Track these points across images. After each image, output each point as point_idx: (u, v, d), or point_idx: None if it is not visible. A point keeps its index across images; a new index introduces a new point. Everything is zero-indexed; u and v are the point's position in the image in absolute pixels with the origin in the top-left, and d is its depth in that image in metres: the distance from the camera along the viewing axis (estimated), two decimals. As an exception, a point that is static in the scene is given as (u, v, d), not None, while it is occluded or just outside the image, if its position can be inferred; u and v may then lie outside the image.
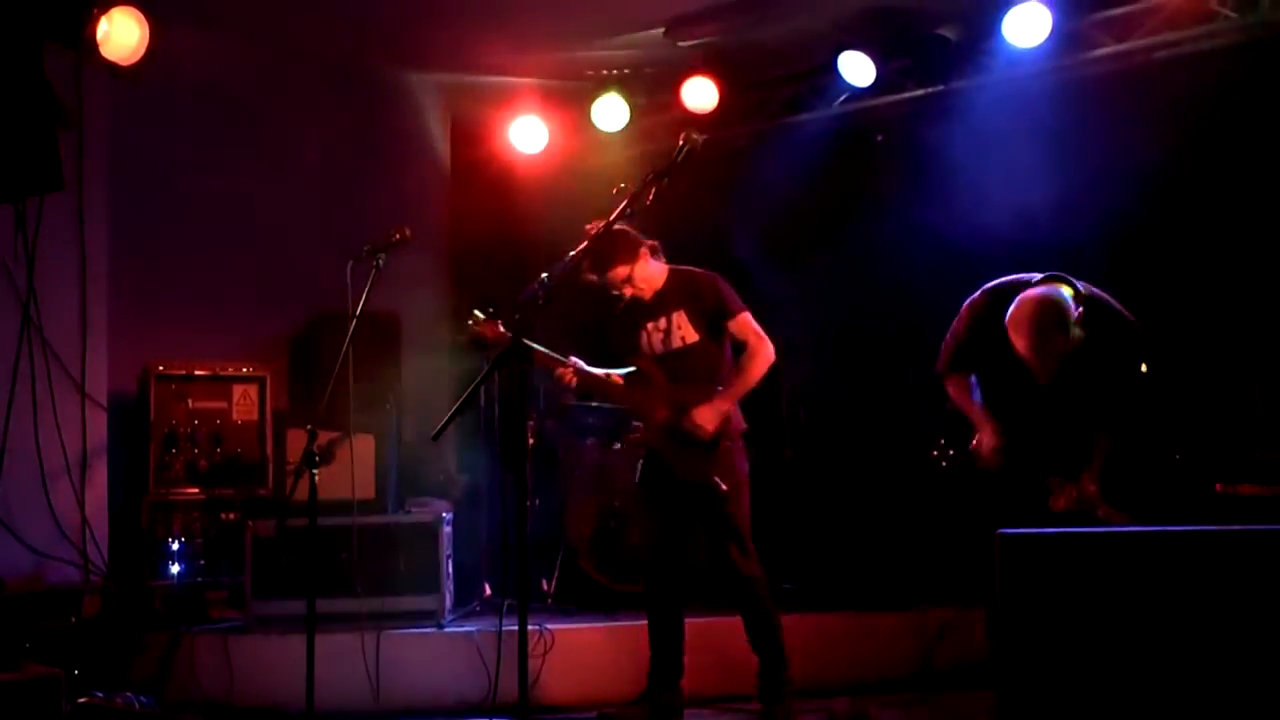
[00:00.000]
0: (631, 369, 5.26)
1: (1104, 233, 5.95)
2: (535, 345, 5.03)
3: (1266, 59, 5.88)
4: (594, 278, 5.11)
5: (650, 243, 5.18)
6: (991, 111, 6.48)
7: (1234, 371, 5.85)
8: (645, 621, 5.30)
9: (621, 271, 5.10)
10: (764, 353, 5.09)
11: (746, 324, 5.12)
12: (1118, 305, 4.50)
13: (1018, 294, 4.39)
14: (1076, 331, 4.29)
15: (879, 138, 7.24)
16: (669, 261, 5.26)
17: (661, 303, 5.19)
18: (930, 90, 6.90)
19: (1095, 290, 4.47)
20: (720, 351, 5.18)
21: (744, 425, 5.18)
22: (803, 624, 5.78)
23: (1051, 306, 4.25)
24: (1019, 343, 4.29)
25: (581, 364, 5.19)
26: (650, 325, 5.19)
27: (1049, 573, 3.16)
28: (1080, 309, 4.30)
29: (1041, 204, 5.95)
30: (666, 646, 5.19)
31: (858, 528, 6.78)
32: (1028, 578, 3.15)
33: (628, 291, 5.17)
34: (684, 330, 5.14)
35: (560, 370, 5.14)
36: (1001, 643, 3.18)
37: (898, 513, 6.70)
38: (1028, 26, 6.24)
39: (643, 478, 5.26)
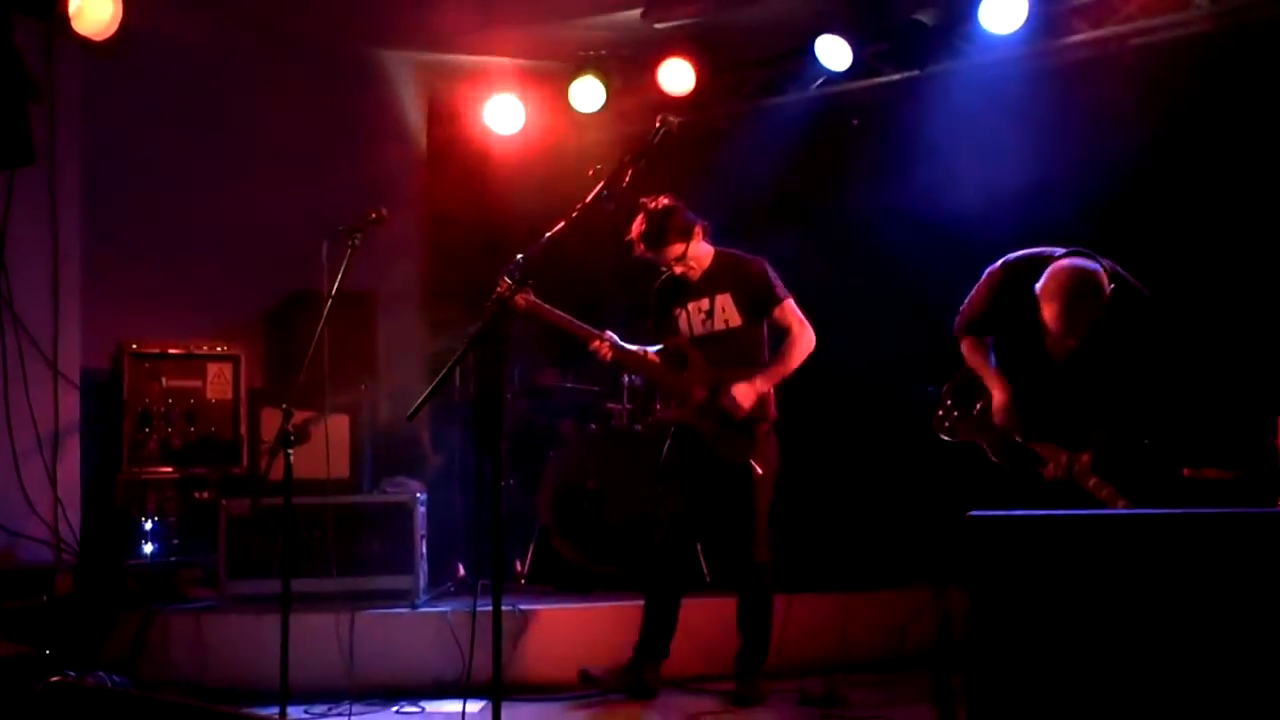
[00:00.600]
0: (662, 347, 5.27)
1: (1078, 217, 5.98)
2: (569, 317, 5.07)
3: (1238, 47, 5.92)
4: (648, 253, 5.11)
5: (704, 222, 5.19)
6: (968, 97, 6.50)
7: (1203, 356, 5.91)
8: (620, 602, 5.33)
9: (677, 249, 5.09)
10: (805, 339, 5.13)
11: (790, 311, 5.15)
12: (1140, 286, 4.48)
13: (1040, 266, 4.37)
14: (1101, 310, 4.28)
15: (855, 121, 7.25)
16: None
17: (707, 284, 5.19)
18: (907, 75, 6.91)
19: (1119, 269, 4.44)
20: (760, 336, 5.23)
21: (775, 414, 5.20)
22: (776, 604, 5.81)
23: (1090, 275, 4.25)
24: (1050, 310, 4.27)
25: (616, 338, 5.18)
26: (693, 305, 5.20)
27: (1019, 554, 3.19)
28: (1111, 285, 4.31)
29: (1017, 189, 5.97)
30: (659, 625, 5.22)
31: (831, 509, 6.81)
32: (997, 559, 3.18)
33: (679, 269, 5.16)
34: (728, 313, 5.16)
35: (596, 344, 5.13)
36: (972, 624, 3.21)
37: (872, 493, 6.74)
38: (1004, 12, 6.26)
39: (668, 457, 5.26)
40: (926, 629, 5.69)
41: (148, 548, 6.08)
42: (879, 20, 6.75)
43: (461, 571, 6.47)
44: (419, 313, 7.83)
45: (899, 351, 6.21)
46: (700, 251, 5.18)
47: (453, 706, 5.13)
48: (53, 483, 5.85)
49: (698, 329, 5.20)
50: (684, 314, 5.23)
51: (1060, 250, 4.43)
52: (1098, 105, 6.28)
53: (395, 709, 5.20)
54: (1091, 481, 4.40)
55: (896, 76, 6.98)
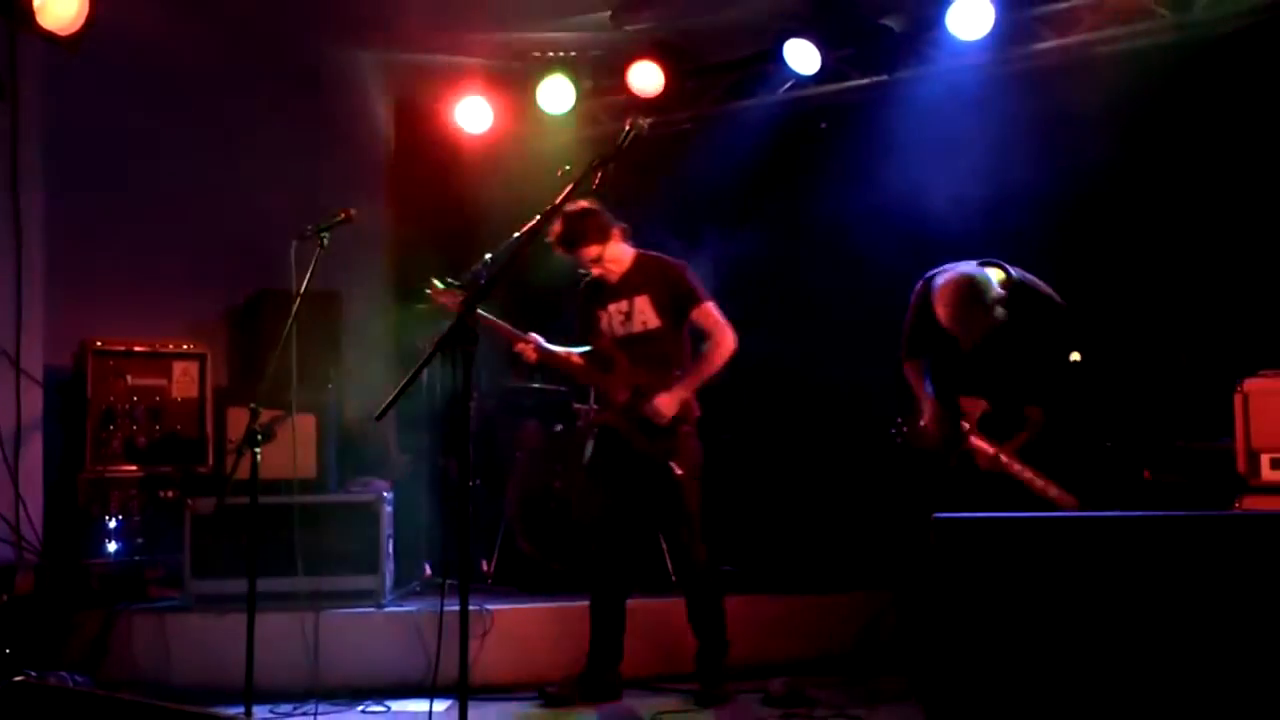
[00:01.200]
0: (589, 349, 5.29)
1: (1041, 222, 6.07)
2: (496, 320, 5.12)
3: (1199, 57, 6.01)
4: (565, 254, 5.13)
5: (622, 225, 5.21)
6: (934, 102, 6.56)
7: (1163, 360, 5.99)
8: (586, 602, 5.33)
9: (593, 250, 5.12)
10: (726, 343, 5.13)
11: (710, 314, 5.15)
12: (1047, 290, 4.79)
13: None
14: (1000, 311, 4.61)
15: (823, 125, 7.30)
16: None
17: (626, 286, 5.22)
18: (874, 80, 6.97)
19: (1028, 276, 4.79)
20: (680, 339, 5.23)
21: (699, 412, 5.22)
22: (741, 605, 5.83)
23: (968, 282, 4.62)
24: (940, 313, 4.67)
25: (542, 340, 5.23)
26: (613, 307, 5.22)
27: (983, 556, 3.23)
28: (1006, 291, 4.66)
29: (983, 193, 6.04)
30: (607, 629, 5.24)
31: (795, 511, 6.86)
32: (965, 561, 3.22)
33: (595, 271, 5.20)
34: (646, 315, 5.17)
35: (520, 345, 5.19)
36: (936, 625, 3.25)
37: (835, 496, 6.78)
38: (971, 19, 6.32)
39: (593, 459, 5.29)
40: (890, 630, 5.74)
41: (111, 546, 6.05)
42: (847, 25, 6.80)
43: (428, 571, 6.46)
44: (386, 312, 7.81)
45: (866, 354, 6.25)
46: (618, 253, 5.20)
47: (418, 706, 5.13)
48: (15, 480, 5.79)
49: (618, 330, 5.22)
50: (605, 315, 5.25)
51: (974, 263, 4.75)
52: (1062, 111, 6.35)
53: (361, 709, 5.19)
54: (1015, 468, 4.64)
55: (864, 81, 7.04)
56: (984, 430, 4.82)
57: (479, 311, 4.99)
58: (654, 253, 5.31)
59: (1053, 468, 4.63)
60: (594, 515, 5.28)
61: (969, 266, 4.73)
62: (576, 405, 6.73)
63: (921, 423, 5.05)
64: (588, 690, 5.21)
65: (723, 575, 5.32)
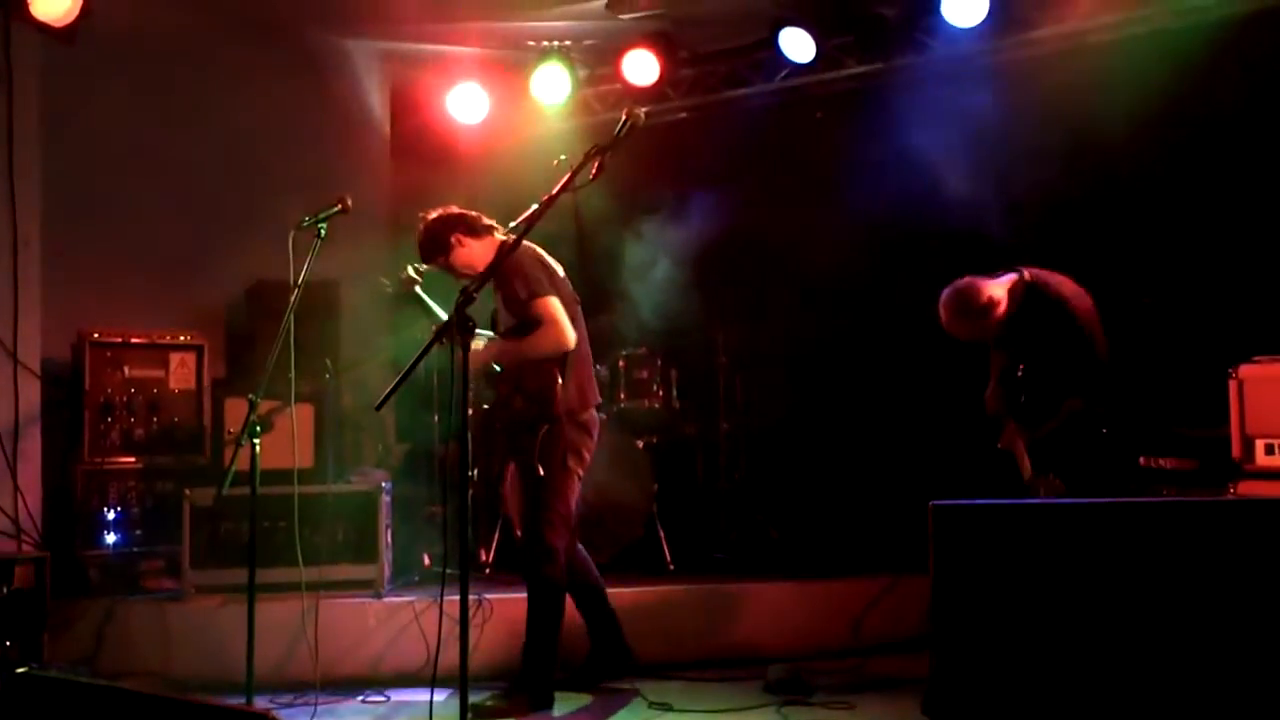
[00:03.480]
0: None
1: (1037, 208, 6.09)
2: (430, 303, 5.19)
3: (1196, 44, 6.02)
4: (434, 268, 5.15)
5: (473, 221, 5.13)
6: (930, 89, 6.56)
7: (1158, 347, 6.01)
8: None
9: (440, 261, 5.13)
10: (548, 334, 4.89)
11: (537, 308, 4.90)
12: (1058, 290, 4.93)
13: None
14: (994, 314, 4.88)
15: (819, 114, 7.30)
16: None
17: (495, 285, 5.07)
18: (870, 67, 6.97)
19: (1044, 276, 4.99)
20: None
21: (592, 402, 5.14)
22: (737, 592, 5.87)
23: (955, 293, 4.89)
24: (941, 319, 4.94)
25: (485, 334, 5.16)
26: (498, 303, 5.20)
27: (983, 542, 3.25)
28: (1016, 295, 4.92)
29: (978, 181, 6.05)
30: (589, 613, 5.28)
31: (792, 497, 6.88)
32: (962, 547, 3.24)
33: (460, 279, 5.07)
34: (504, 314, 5.13)
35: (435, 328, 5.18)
36: (937, 610, 3.27)
37: (833, 482, 6.81)
38: (966, 5, 6.32)
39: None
40: (888, 616, 5.76)
41: (110, 538, 6.04)
42: (842, 13, 6.80)
43: (427, 561, 6.48)
44: (384, 301, 7.81)
45: (864, 342, 6.28)
46: (471, 257, 5.11)
47: (419, 695, 5.15)
48: (13, 472, 5.79)
49: (500, 326, 5.19)
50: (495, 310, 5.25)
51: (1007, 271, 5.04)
52: (1058, 99, 6.36)
53: (361, 698, 5.21)
54: (1016, 449, 4.92)
55: (860, 69, 7.04)
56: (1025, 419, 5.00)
57: (421, 295, 5.15)
58: (511, 243, 5.15)
59: (1052, 454, 4.69)
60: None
61: (969, 278, 4.94)
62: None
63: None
64: (591, 675, 5.25)
65: (706, 559, 5.23)
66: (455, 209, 5.19)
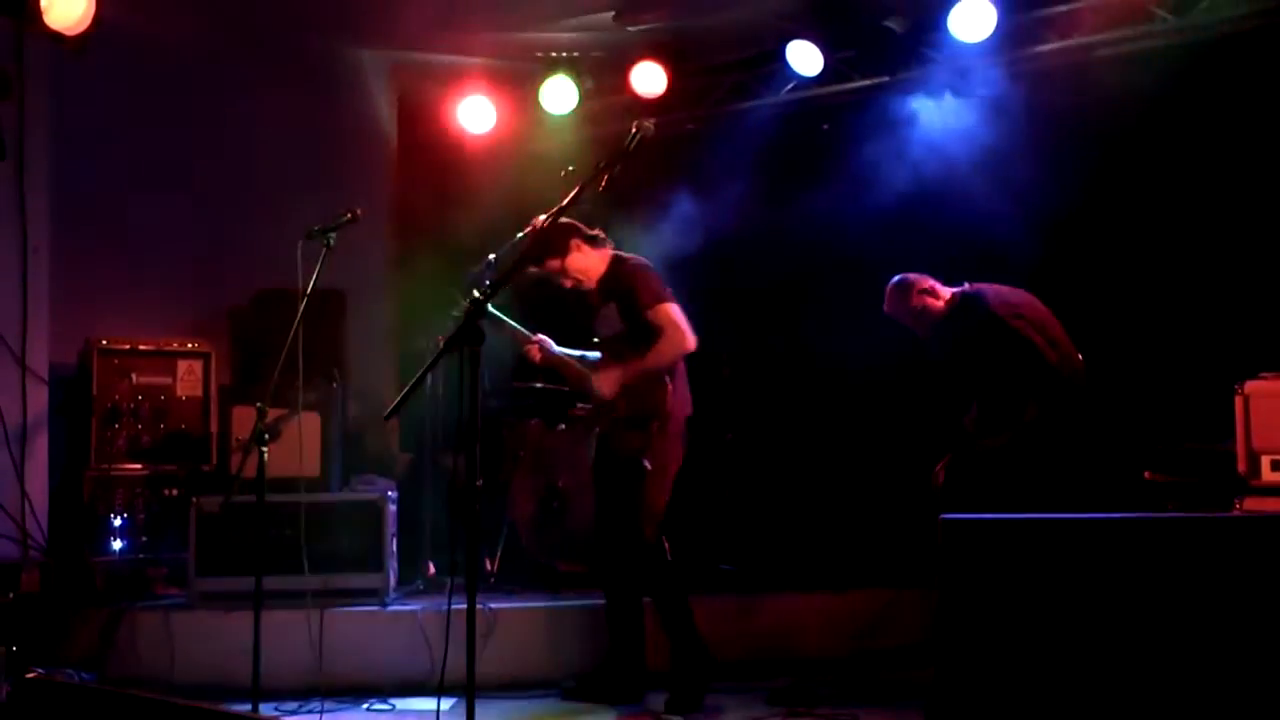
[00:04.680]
0: (600, 354, 5.35)
1: (1042, 223, 6.09)
2: (507, 319, 5.25)
3: (1200, 59, 6.04)
4: (535, 271, 5.17)
5: (590, 232, 5.21)
6: (935, 104, 6.59)
7: (1163, 362, 6.02)
8: (588, 601, 5.35)
9: (554, 264, 5.16)
10: (673, 342, 5.00)
11: (661, 314, 5.02)
12: (989, 302, 5.27)
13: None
14: (930, 301, 5.40)
15: (825, 126, 7.32)
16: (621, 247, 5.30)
17: (602, 291, 5.24)
18: (876, 81, 6.99)
19: (982, 287, 5.38)
20: (641, 341, 5.11)
21: (680, 412, 5.18)
22: (743, 605, 5.88)
23: (900, 276, 5.49)
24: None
25: (549, 343, 5.33)
26: (599, 314, 5.27)
27: (991, 557, 3.26)
28: (949, 302, 5.40)
29: (983, 195, 6.07)
30: (619, 630, 5.24)
31: (797, 510, 6.88)
32: (970, 561, 3.24)
33: (566, 283, 5.23)
34: (614, 320, 5.19)
35: (527, 346, 5.30)
36: (944, 625, 3.28)
37: (838, 495, 6.81)
38: (973, 21, 6.34)
39: (594, 460, 5.31)
40: (893, 629, 5.76)
41: (116, 544, 6.06)
42: (849, 26, 6.82)
43: (432, 570, 6.48)
44: (390, 311, 7.84)
45: (867, 354, 6.28)
46: (585, 264, 5.21)
47: (423, 704, 5.15)
48: (20, 479, 5.81)
49: (604, 335, 5.28)
50: (597, 322, 5.32)
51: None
52: (1064, 114, 6.38)
53: (366, 706, 5.22)
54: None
55: (866, 82, 7.06)
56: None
57: (493, 311, 5.09)
58: (622, 255, 5.26)
59: (1054, 470, 4.73)
60: (595, 516, 5.30)
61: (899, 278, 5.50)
62: (579, 405, 6.75)
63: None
64: (604, 689, 5.22)
65: (678, 576, 5.22)
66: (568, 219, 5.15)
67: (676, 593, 5.10)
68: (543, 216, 5.05)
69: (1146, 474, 5.16)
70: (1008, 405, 5.13)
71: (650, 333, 5.03)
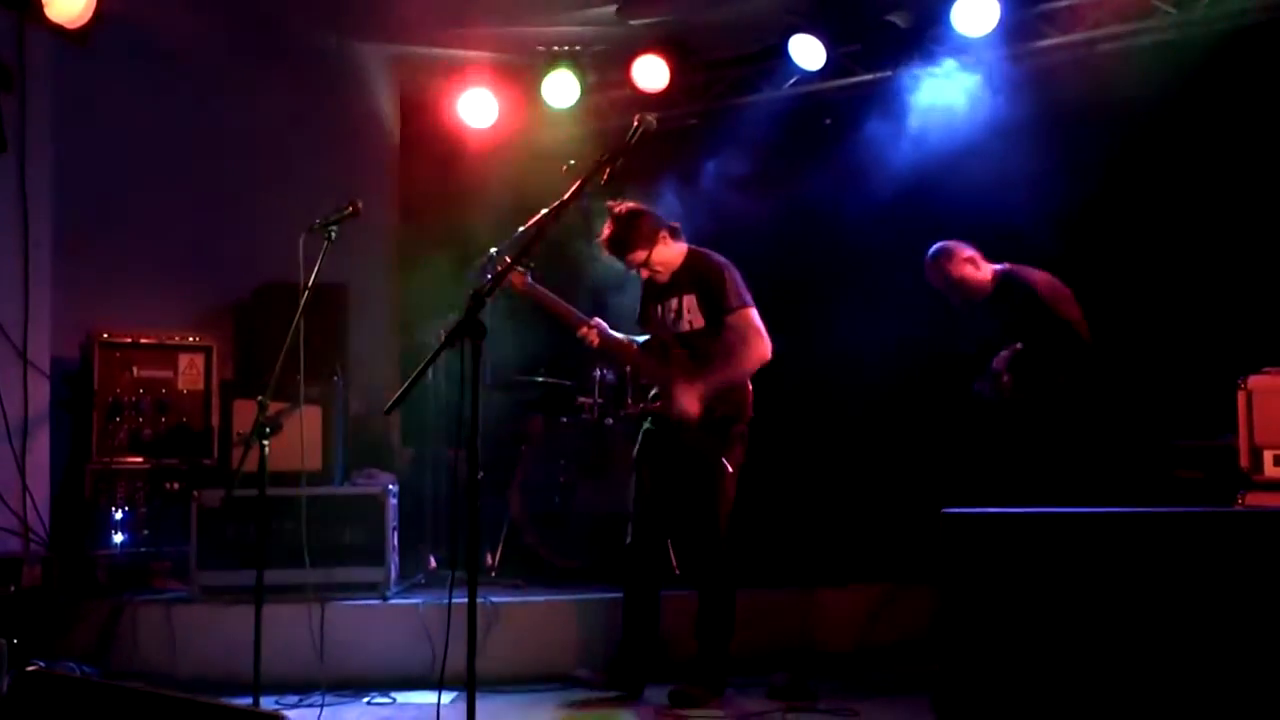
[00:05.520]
0: (647, 339, 5.34)
1: (1045, 218, 6.08)
2: (563, 302, 5.23)
3: (1203, 54, 6.03)
4: (614, 258, 5.19)
5: (672, 224, 5.23)
6: (938, 98, 6.58)
7: (1173, 358, 6.02)
8: (589, 595, 5.35)
9: (640, 255, 5.16)
10: (754, 351, 5.08)
11: (744, 319, 5.09)
12: (1029, 280, 5.42)
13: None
14: (975, 272, 5.49)
15: (828, 121, 7.31)
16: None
17: (675, 284, 5.24)
18: (879, 76, 6.98)
19: (1019, 268, 5.50)
20: (719, 342, 5.16)
21: (751, 413, 5.23)
22: (744, 599, 5.85)
23: (942, 244, 5.53)
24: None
25: (605, 326, 5.28)
26: (665, 305, 5.26)
27: (993, 551, 3.26)
28: (991, 277, 5.49)
29: (985, 189, 6.06)
30: (638, 620, 5.25)
31: (799, 503, 6.88)
32: (972, 555, 3.24)
33: (645, 274, 5.24)
34: (692, 315, 5.20)
35: (584, 330, 5.24)
36: (948, 615, 3.27)
37: (838, 490, 6.80)
38: (976, 15, 6.33)
39: (641, 448, 5.30)
40: (892, 623, 5.76)
41: (117, 538, 6.06)
42: (852, 21, 6.81)
43: (433, 564, 6.49)
44: (391, 305, 7.84)
45: (870, 348, 6.28)
46: (668, 255, 5.22)
47: (424, 698, 5.15)
48: (21, 472, 5.82)
49: (670, 327, 5.25)
50: (658, 310, 5.30)
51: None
52: (1066, 108, 6.37)
53: (367, 700, 5.21)
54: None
55: (869, 77, 7.05)
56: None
57: (545, 291, 5.20)
58: (704, 250, 5.29)
59: (1060, 463, 4.74)
60: (643, 507, 5.27)
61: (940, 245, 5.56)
62: (581, 399, 6.76)
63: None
64: (616, 679, 5.23)
65: (738, 576, 5.27)
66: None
67: (734, 589, 5.19)
68: (618, 204, 5.14)
69: (1149, 469, 5.18)
70: (1043, 377, 5.29)
71: (729, 334, 5.08)
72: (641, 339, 5.37)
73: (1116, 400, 5.41)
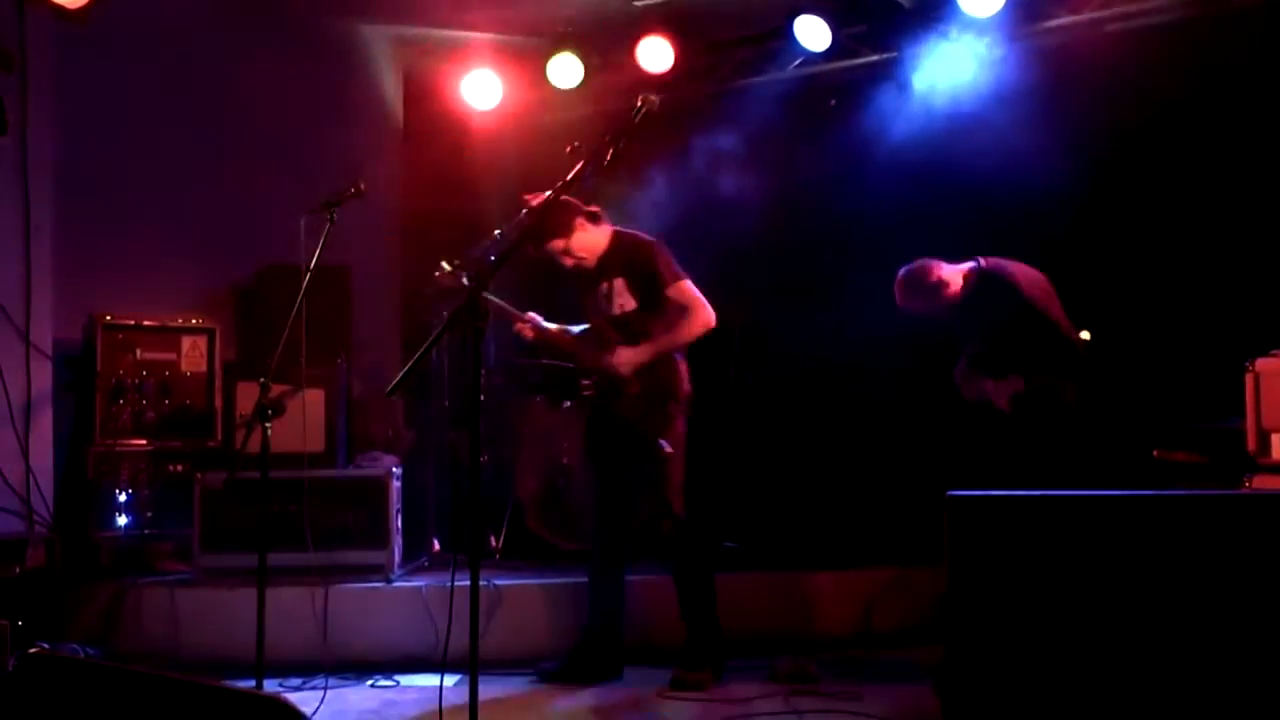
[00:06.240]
0: (587, 327, 5.31)
1: (1051, 200, 6.05)
2: (494, 299, 5.16)
3: (1212, 33, 5.98)
4: (533, 250, 5.15)
5: (589, 209, 5.19)
6: (944, 79, 6.53)
7: (1174, 341, 5.99)
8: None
9: (557, 244, 5.14)
10: (698, 317, 5.07)
11: (683, 290, 5.09)
12: (1009, 275, 5.21)
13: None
14: (948, 291, 5.24)
15: (833, 102, 7.27)
16: (617, 223, 5.30)
17: (603, 269, 5.22)
18: (885, 57, 6.94)
19: (998, 262, 5.28)
20: (659, 318, 5.16)
21: (688, 389, 5.20)
22: (746, 583, 5.87)
23: (907, 273, 5.30)
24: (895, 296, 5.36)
25: (539, 320, 5.29)
26: (598, 290, 5.24)
27: (998, 534, 3.24)
28: (969, 280, 5.26)
29: (991, 172, 6.02)
30: (600, 606, 5.25)
31: (801, 487, 6.87)
32: (977, 538, 3.23)
33: (568, 262, 5.20)
34: (623, 298, 5.17)
35: (519, 325, 5.26)
36: (951, 601, 3.26)
37: (841, 473, 6.79)
38: (982, -5, 6.28)
39: (588, 436, 5.30)
40: (894, 607, 5.76)
41: (121, 520, 6.06)
42: (857, 2, 6.76)
43: (436, 547, 6.49)
44: (395, 287, 7.82)
45: (873, 331, 6.26)
46: (589, 241, 5.19)
47: (427, 680, 5.15)
48: (25, 454, 5.82)
49: (605, 313, 5.23)
50: (593, 298, 5.27)
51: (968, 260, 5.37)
52: (1073, 89, 6.32)
53: (370, 683, 5.22)
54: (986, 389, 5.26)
55: (875, 58, 7.00)
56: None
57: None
58: (630, 232, 5.27)
59: (1063, 446, 4.71)
60: (596, 493, 5.31)
61: (923, 259, 5.31)
62: (584, 381, 6.74)
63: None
64: (583, 668, 5.22)
65: (711, 555, 5.25)
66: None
67: (708, 568, 5.17)
68: (534, 196, 5.09)
69: (1155, 452, 5.15)
70: (1025, 374, 5.14)
71: (670, 309, 5.06)
72: (579, 329, 5.35)
73: (1108, 396, 5.35)
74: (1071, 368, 5.13)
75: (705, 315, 5.09)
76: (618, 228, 5.28)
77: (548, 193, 5.05)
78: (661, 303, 5.11)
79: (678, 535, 5.13)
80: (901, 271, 5.33)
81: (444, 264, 5.23)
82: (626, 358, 5.07)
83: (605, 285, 5.21)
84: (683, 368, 5.19)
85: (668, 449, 5.02)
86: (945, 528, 3.24)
